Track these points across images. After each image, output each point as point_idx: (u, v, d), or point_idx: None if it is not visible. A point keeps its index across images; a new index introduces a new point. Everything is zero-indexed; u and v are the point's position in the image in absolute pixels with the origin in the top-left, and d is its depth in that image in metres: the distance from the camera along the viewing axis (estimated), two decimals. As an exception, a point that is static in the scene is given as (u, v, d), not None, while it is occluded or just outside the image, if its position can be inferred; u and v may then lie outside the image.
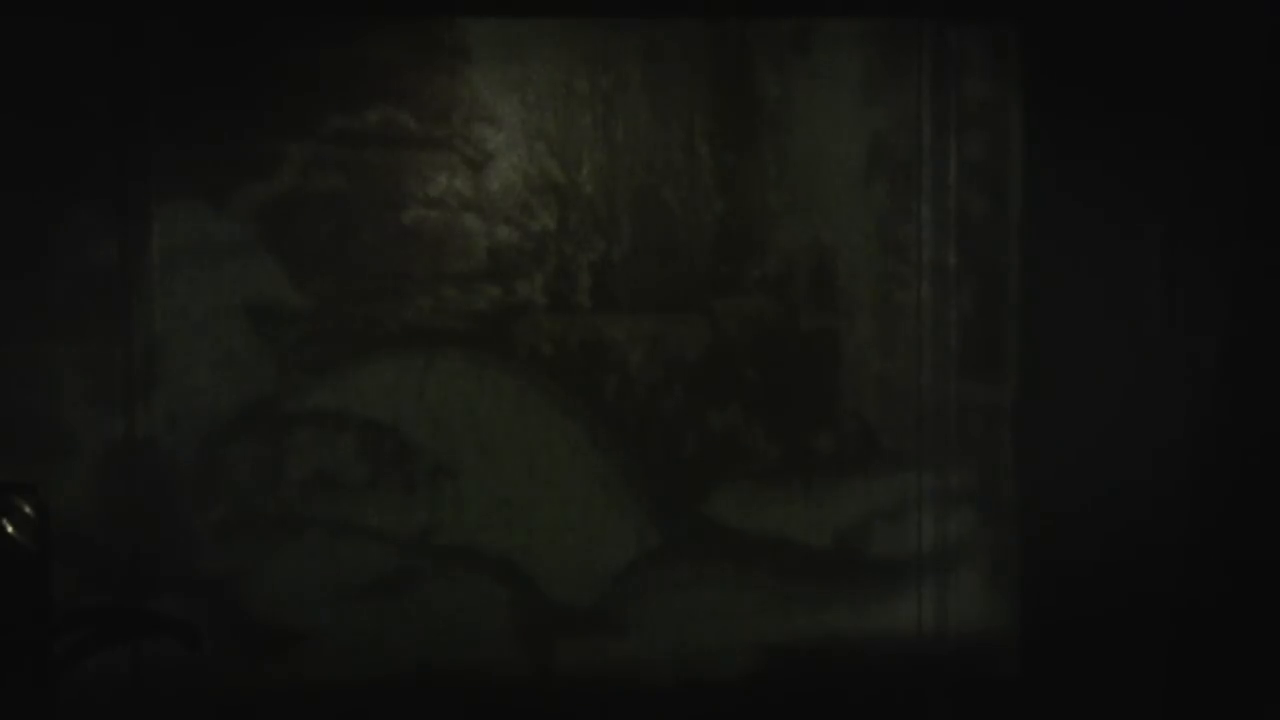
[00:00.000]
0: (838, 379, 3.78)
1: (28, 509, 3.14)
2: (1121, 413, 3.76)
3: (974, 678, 3.83)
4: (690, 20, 3.72)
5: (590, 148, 3.72)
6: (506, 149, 3.70)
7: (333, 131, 3.64)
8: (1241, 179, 3.65)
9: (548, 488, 3.72)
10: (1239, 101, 3.65)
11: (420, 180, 3.68)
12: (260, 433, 3.65)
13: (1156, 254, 3.75)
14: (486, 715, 3.73)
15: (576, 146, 3.72)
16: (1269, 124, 3.60)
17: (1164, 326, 3.75)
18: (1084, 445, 3.76)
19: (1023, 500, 3.82)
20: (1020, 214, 3.79)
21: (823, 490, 3.79)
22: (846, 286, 3.77)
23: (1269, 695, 3.57)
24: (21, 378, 3.58)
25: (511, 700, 3.73)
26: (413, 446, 3.69)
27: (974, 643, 3.82)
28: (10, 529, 3.12)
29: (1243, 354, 3.67)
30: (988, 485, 3.82)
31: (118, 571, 3.61)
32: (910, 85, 3.76)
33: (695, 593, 3.76)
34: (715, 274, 3.75)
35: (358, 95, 3.65)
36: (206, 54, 3.61)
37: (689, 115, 3.73)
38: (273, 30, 3.62)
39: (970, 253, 3.79)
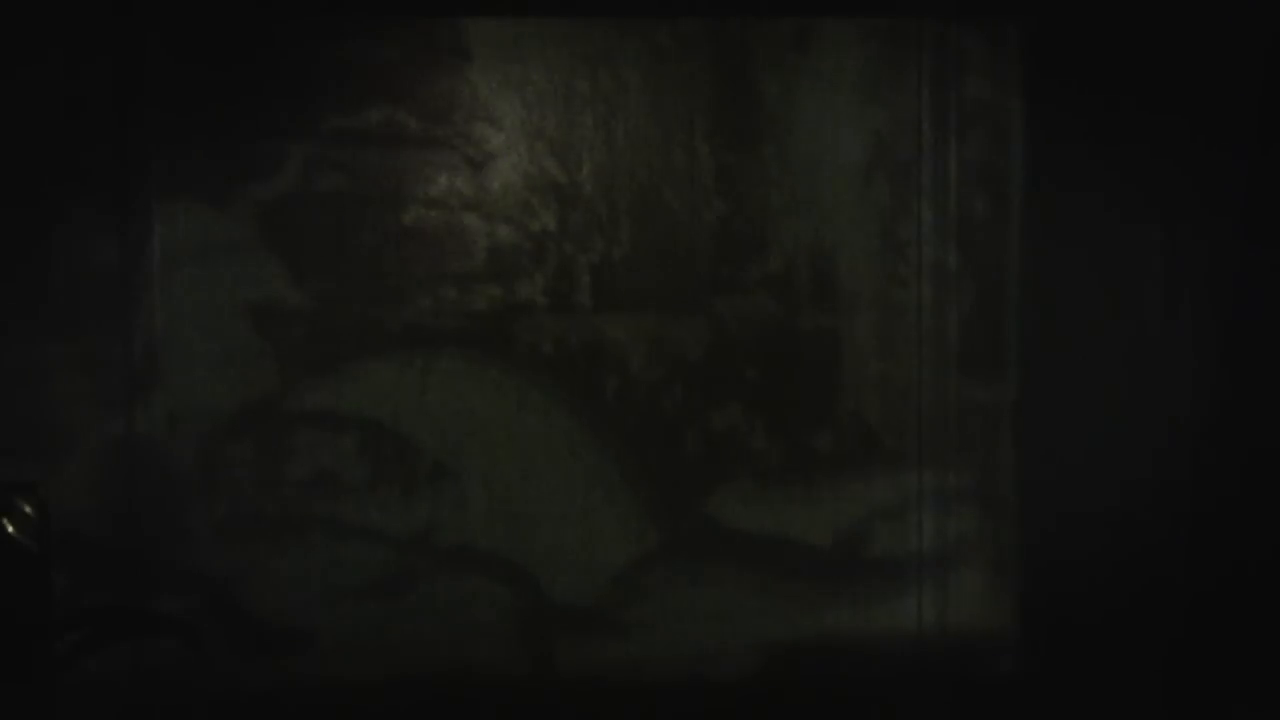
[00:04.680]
0: (838, 379, 3.78)
1: (28, 509, 3.15)
2: (1122, 412, 3.76)
3: (974, 677, 3.83)
4: (690, 20, 3.72)
5: (591, 148, 3.72)
6: (507, 149, 3.70)
7: (333, 131, 3.65)
8: (1242, 178, 3.65)
9: (548, 488, 3.73)
10: (1240, 101, 3.65)
11: (420, 180, 3.68)
12: (260, 432, 3.66)
13: (1157, 253, 3.75)
14: (486, 715, 3.74)
15: (577, 146, 3.72)
16: (1269, 123, 3.60)
17: (1164, 326, 3.75)
18: (1084, 445, 3.76)
19: (1023, 500, 3.82)
20: (1020, 214, 3.79)
21: (823, 490, 3.79)
22: (846, 286, 3.77)
23: (1270, 694, 3.57)
24: (21, 378, 3.58)
25: (511, 700, 3.73)
26: (413, 446, 3.69)
27: (974, 642, 3.82)
28: (10, 529, 3.12)
29: (1244, 354, 3.67)
30: (988, 485, 3.82)
31: (118, 571, 3.61)
32: (910, 85, 3.76)
33: (695, 593, 3.76)
34: (715, 274, 3.75)
35: (358, 95, 3.65)
36: (207, 54, 3.61)
37: (689, 115, 3.73)
38: (273, 30, 3.62)
39: (970, 253, 3.79)
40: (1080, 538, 3.75)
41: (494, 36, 3.68)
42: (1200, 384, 3.72)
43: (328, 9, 3.63)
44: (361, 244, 3.67)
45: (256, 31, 3.62)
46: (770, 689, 3.78)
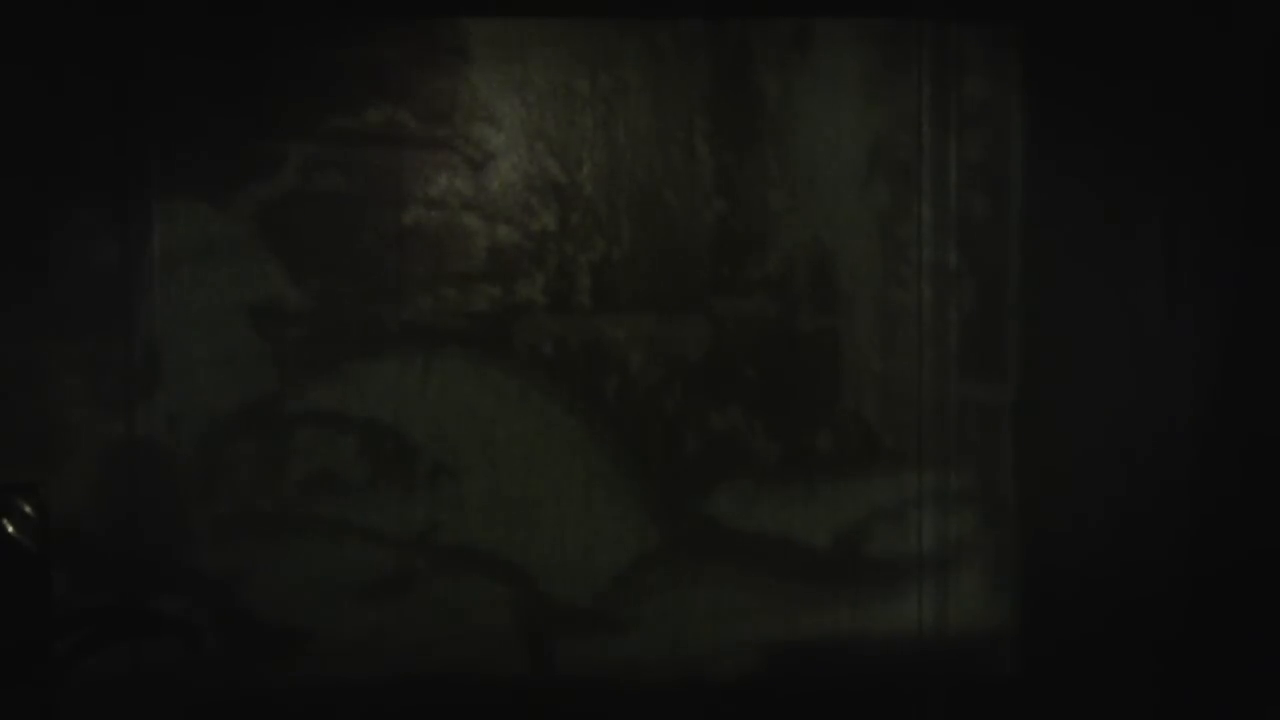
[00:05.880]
0: (838, 379, 3.78)
1: (28, 509, 3.15)
2: (1122, 412, 3.76)
3: (974, 677, 3.83)
4: (690, 20, 3.72)
5: (590, 148, 3.72)
6: (507, 149, 3.70)
7: (333, 131, 3.65)
8: (1242, 178, 3.65)
9: (548, 488, 3.73)
10: (1241, 101, 3.65)
11: (420, 180, 3.68)
12: (260, 432, 3.66)
13: (1157, 253, 3.75)
14: (486, 715, 3.74)
15: (577, 146, 3.72)
16: (1270, 124, 3.60)
17: (1165, 326, 3.75)
18: (1084, 445, 3.76)
19: (1023, 500, 3.82)
20: (1020, 214, 3.79)
21: (823, 490, 3.79)
22: (846, 286, 3.77)
23: (1270, 695, 3.57)
24: (21, 378, 3.58)
25: (511, 700, 3.73)
26: (413, 446, 3.69)
27: (974, 643, 3.82)
28: (10, 529, 3.13)
29: (1244, 353, 3.67)
30: (988, 485, 3.82)
31: (118, 571, 3.61)
32: (910, 85, 3.76)
33: (695, 593, 3.76)
34: (715, 274, 3.75)
35: (358, 95, 3.65)
36: (207, 54, 3.61)
37: (689, 115, 3.73)
38: (272, 30, 3.62)
39: (970, 253, 3.79)
40: (1080, 538, 3.75)
41: (494, 36, 3.68)
42: (1200, 384, 3.72)
43: (328, 9, 3.63)
44: (361, 244, 3.67)
45: (256, 31, 3.62)
46: (770, 689, 3.78)
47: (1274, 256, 3.61)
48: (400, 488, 3.70)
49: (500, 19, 3.68)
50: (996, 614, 3.83)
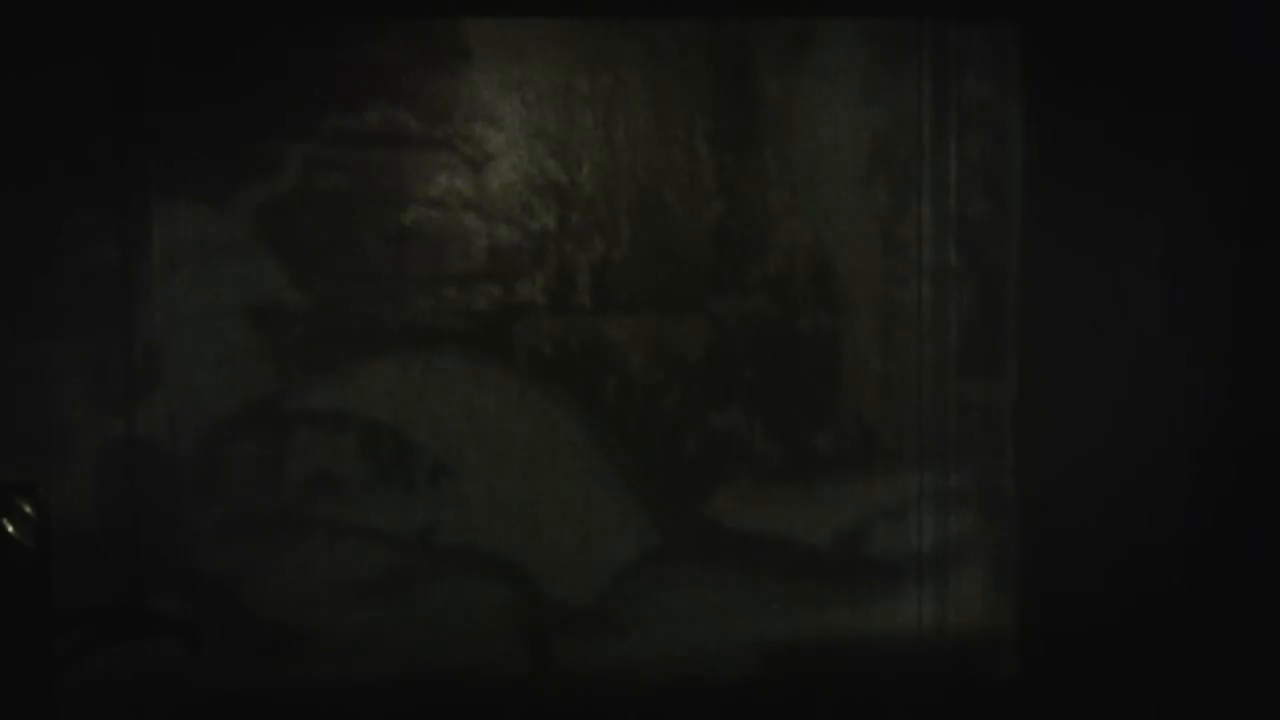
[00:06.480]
0: (838, 379, 3.78)
1: (28, 509, 3.15)
2: (1122, 412, 3.76)
3: (974, 678, 3.83)
4: (690, 20, 3.72)
5: (590, 148, 3.72)
6: (506, 149, 3.70)
7: (333, 131, 3.65)
8: (1242, 179, 3.65)
9: (548, 488, 3.73)
10: (1241, 101, 3.65)
11: (420, 180, 3.68)
12: (260, 432, 3.66)
13: (1157, 253, 3.75)
14: (486, 715, 3.74)
15: (577, 146, 3.72)
16: (1270, 124, 3.60)
17: (1165, 326, 3.75)
18: (1084, 445, 3.76)
19: (1023, 500, 3.82)
20: (1020, 214, 3.79)
21: (823, 490, 3.79)
22: (846, 286, 3.77)
23: (1270, 695, 3.57)
24: (21, 378, 3.58)
25: (511, 700, 3.73)
26: (413, 446, 3.69)
27: (974, 643, 3.82)
28: (10, 529, 3.13)
29: (1243, 354, 3.67)
30: (988, 485, 3.82)
31: (118, 571, 3.61)
32: (910, 85, 3.76)
33: (695, 593, 3.76)
34: (715, 274, 3.75)
35: (358, 95, 3.65)
36: (207, 53, 3.61)
37: (689, 115, 3.73)
38: (273, 30, 3.62)
39: (970, 253, 3.79)
40: (1080, 538, 3.75)
41: (494, 36, 3.68)
42: (1200, 384, 3.72)
43: (328, 9, 3.63)
44: (361, 244, 3.67)
45: (256, 31, 3.62)
46: (770, 689, 3.78)
47: (1274, 256, 3.61)
48: (400, 488, 3.70)
49: (500, 19, 3.68)
50: (996, 614, 3.83)
